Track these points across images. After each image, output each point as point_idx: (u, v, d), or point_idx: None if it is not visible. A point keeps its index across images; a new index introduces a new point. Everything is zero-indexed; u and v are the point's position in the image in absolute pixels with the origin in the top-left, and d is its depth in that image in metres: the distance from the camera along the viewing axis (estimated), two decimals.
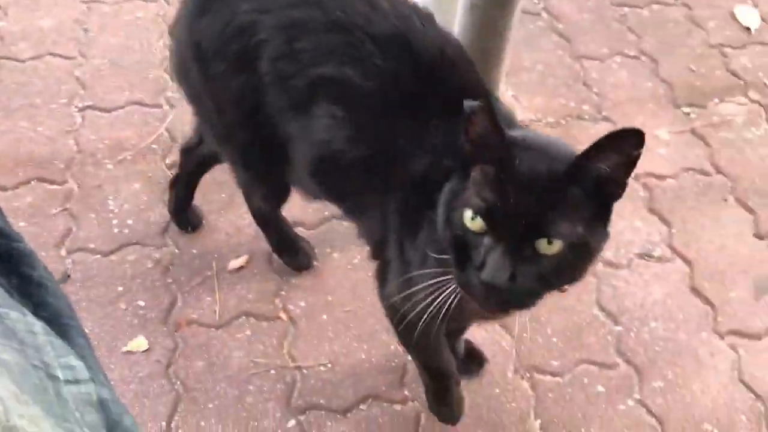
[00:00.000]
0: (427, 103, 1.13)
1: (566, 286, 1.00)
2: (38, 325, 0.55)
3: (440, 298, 0.99)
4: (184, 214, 1.76)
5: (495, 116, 0.91)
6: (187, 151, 1.66)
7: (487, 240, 0.91)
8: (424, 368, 1.42)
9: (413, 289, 1.13)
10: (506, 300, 0.96)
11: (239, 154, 1.41)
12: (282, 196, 1.50)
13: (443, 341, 1.38)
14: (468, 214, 0.92)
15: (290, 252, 1.71)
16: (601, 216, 0.95)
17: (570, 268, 0.94)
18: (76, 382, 0.54)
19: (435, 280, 1.00)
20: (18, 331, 0.53)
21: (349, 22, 1.14)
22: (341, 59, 1.13)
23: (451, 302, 0.99)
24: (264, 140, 1.29)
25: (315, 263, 1.71)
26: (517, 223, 0.89)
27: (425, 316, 1.12)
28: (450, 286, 0.98)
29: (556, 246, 0.90)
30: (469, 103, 0.91)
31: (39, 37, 2.18)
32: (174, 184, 1.73)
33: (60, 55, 2.14)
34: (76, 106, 2.01)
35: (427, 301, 1.05)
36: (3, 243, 0.61)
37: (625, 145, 0.87)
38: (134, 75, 2.10)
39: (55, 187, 1.83)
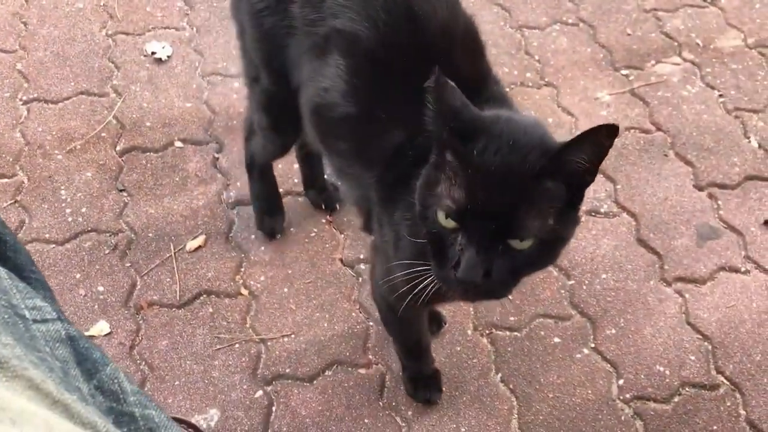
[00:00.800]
0: (416, 77, 1.08)
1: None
2: (2, 271, 0.57)
3: (419, 287, 1.00)
4: (311, 191, 1.80)
5: (455, 94, 0.91)
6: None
7: (460, 239, 0.92)
8: (404, 351, 1.47)
9: (393, 276, 1.16)
10: (483, 292, 0.97)
11: (262, 96, 1.44)
12: (281, 152, 1.57)
13: (424, 323, 1.43)
14: (442, 215, 0.92)
15: (266, 209, 1.73)
16: (573, 203, 0.94)
17: (543, 257, 0.96)
18: (44, 321, 0.56)
19: (413, 270, 1.01)
20: None
21: None
22: (355, 14, 1.13)
23: (430, 290, 1.00)
24: (284, 86, 1.31)
25: (277, 232, 1.74)
26: (488, 223, 0.89)
27: (405, 302, 1.16)
28: (428, 276, 0.99)
29: (528, 242, 0.91)
30: (432, 78, 0.90)
31: None
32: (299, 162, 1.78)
33: (0, 50, 2.11)
34: (20, 99, 1.99)
35: (407, 288, 1.08)
36: None
37: (600, 138, 0.87)
38: (78, 65, 2.09)
39: (4, 180, 1.81)
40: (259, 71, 1.38)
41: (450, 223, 0.92)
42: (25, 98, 2.00)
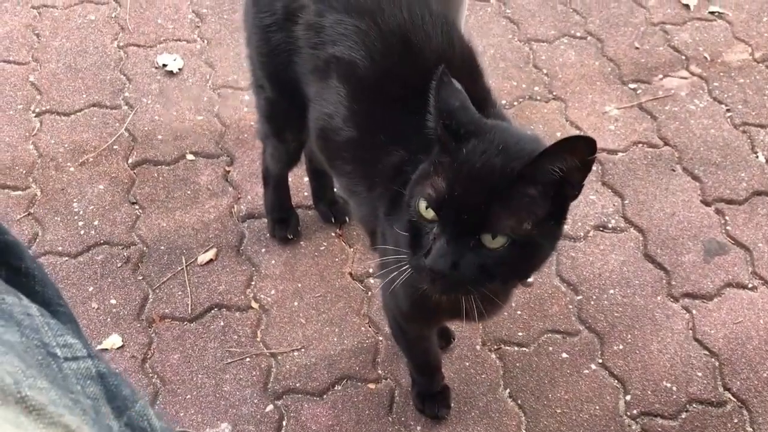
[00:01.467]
0: (413, 103, 1.12)
1: (530, 279, 1.04)
2: (34, 308, 0.59)
3: (400, 276, 1.02)
4: (321, 205, 1.82)
5: (456, 94, 0.94)
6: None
7: (435, 228, 0.94)
8: (414, 367, 1.49)
9: (395, 289, 1.18)
10: (450, 285, 0.97)
11: (265, 105, 1.47)
12: (289, 160, 1.59)
13: (434, 340, 1.45)
14: (422, 204, 0.95)
15: (278, 218, 1.76)
16: (556, 215, 0.96)
17: (516, 262, 0.96)
18: (75, 358, 0.57)
19: (397, 257, 1.03)
20: (15, 314, 0.57)
21: (364, 6, 1.17)
22: (352, 42, 1.17)
23: (430, 305, 1.02)
24: (287, 98, 1.35)
25: (289, 236, 1.76)
26: (463, 216, 0.91)
27: (410, 317, 1.18)
28: (404, 266, 1.01)
29: (500, 241, 0.92)
30: (436, 75, 0.93)
31: None
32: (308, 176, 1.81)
33: (13, 62, 2.14)
34: (33, 111, 2.01)
35: (409, 301, 1.10)
36: None
37: (577, 150, 0.88)
38: (90, 78, 2.11)
39: (18, 192, 1.83)
40: (263, 81, 1.42)
41: (429, 213, 0.95)
42: (37, 110, 2.02)
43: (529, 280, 1.07)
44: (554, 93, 2.14)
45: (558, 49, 2.27)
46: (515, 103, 2.10)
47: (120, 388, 0.59)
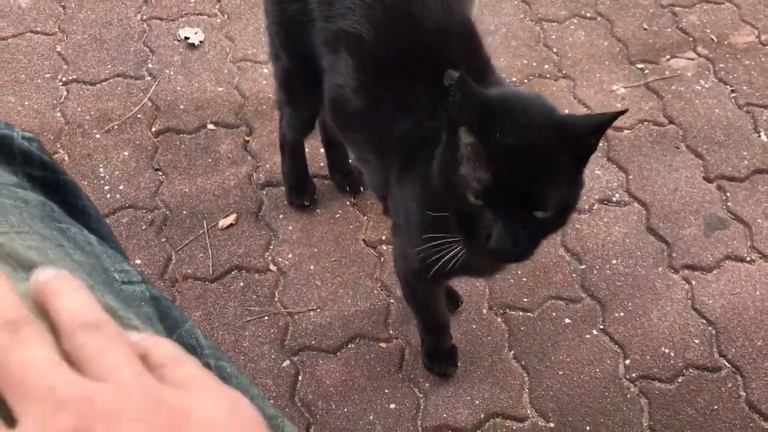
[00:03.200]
0: (416, 72, 1.21)
1: None
2: (93, 238, 0.66)
3: (446, 258, 1.09)
4: (336, 175, 1.89)
5: (472, 89, 0.99)
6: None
7: (488, 214, 1.01)
8: (424, 326, 1.56)
9: (409, 250, 1.27)
10: (513, 257, 1.07)
11: (281, 73, 1.54)
12: (303, 128, 1.66)
13: (442, 301, 1.53)
14: (470, 196, 1.01)
15: (295, 186, 1.83)
16: (579, 169, 1.04)
17: (560, 220, 1.06)
18: (131, 282, 0.65)
19: (436, 242, 1.10)
20: (79, 242, 0.64)
21: None
22: (358, 16, 1.23)
23: (448, 263, 1.10)
24: (302, 68, 1.41)
25: (306, 203, 1.83)
26: (514, 199, 0.99)
27: (423, 275, 1.26)
28: (456, 248, 1.08)
29: (549, 213, 1.02)
30: (450, 74, 0.99)
31: (18, 16, 2.24)
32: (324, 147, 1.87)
33: (41, 32, 2.21)
34: (60, 80, 2.09)
35: (423, 261, 1.18)
36: (51, 176, 0.72)
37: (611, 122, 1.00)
38: (115, 49, 2.18)
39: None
40: (279, 51, 1.48)
41: (478, 202, 1.01)
42: (64, 79, 2.09)
43: None
44: (563, 72, 2.20)
45: (568, 29, 2.33)
46: (525, 81, 2.17)
47: (171, 311, 0.67)
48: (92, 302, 0.44)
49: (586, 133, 0.99)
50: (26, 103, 2.02)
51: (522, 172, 0.98)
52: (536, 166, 0.98)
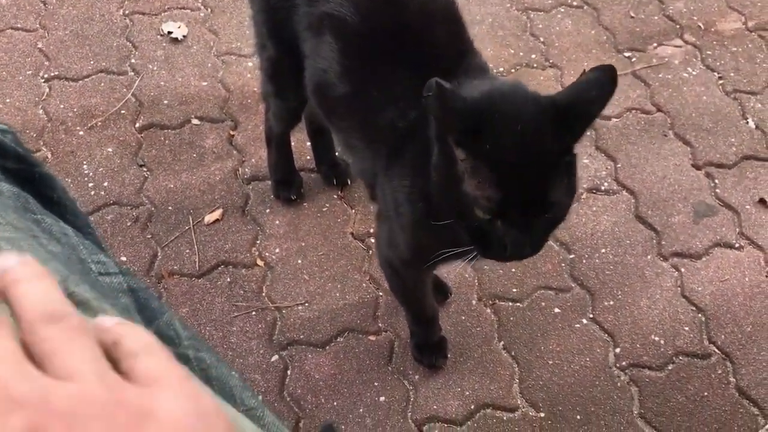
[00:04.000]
0: (401, 56, 1.20)
1: None
2: (69, 229, 0.65)
3: (455, 263, 1.14)
4: (323, 167, 1.87)
5: (451, 97, 0.97)
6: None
7: (500, 225, 1.01)
8: (412, 315, 1.55)
9: (396, 240, 1.29)
10: (528, 255, 1.08)
11: (267, 63, 1.53)
12: (290, 119, 1.65)
13: (430, 292, 1.52)
14: (479, 212, 1.01)
15: (281, 180, 1.81)
16: (573, 157, 1.05)
17: (564, 214, 1.07)
18: (108, 274, 0.64)
19: (440, 252, 1.13)
20: (54, 233, 0.63)
21: None
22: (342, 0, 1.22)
23: (436, 256, 1.13)
24: (288, 56, 1.39)
25: (292, 197, 1.81)
26: (525, 210, 1.00)
27: (410, 265, 1.28)
28: (469, 256, 1.10)
29: (558, 211, 1.04)
30: (429, 85, 0.96)
31: None
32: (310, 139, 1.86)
33: (21, 29, 2.18)
34: (42, 77, 2.07)
35: (410, 251, 1.22)
36: (26, 168, 0.70)
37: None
38: (97, 44, 2.15)
39: None
40: (265, 40, 1.47)
41: (486, 216, 1.01)
42: (46, 76, 2.07)
43: None
44: (550, 61, 2.19)
45: (555, 18, 2.31)
46: (512, 71, 2.16)
47: (149, 301, 0.65)
48: (56, 291, 0.42)
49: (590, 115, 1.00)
50: (8, 100, 2.00)
51: (528, 182, 0.99)
52: (541, 172, 0.99)
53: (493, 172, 0.97)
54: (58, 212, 0.72)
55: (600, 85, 1.00)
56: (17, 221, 0.59)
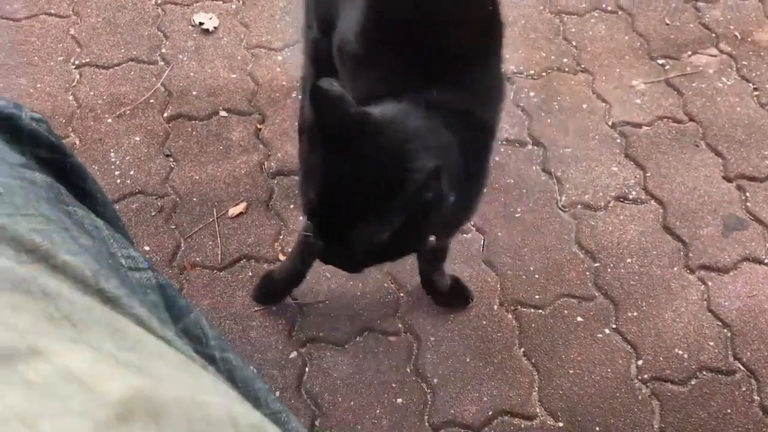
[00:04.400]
0: (412, 35, 1.17)
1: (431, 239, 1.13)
2: (100, 222, 0.64)
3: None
4: None
5: (336, 102, 0.98)
6: None
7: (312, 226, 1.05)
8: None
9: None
10: (344, 266, 1.15)
11: (311, 46, 1.53)
12: None
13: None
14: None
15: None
16: None
17: (393, 247, 1.08)
18: (138, 269, 0.63)
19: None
20: (86, 225, 0.62)
21: None
22: None
23: None
24: (329, 38, 1.38)
25: None
26: (329, 226, 1.02)
27: None
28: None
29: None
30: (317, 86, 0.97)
31: None
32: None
33: (54, 14, 2.19)
34: (73, 64, 2.07)
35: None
36: (58, 157, 0.70)
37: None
38: (129, 33, 2.16)
39: None
40: (311, 21, 1.47)
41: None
42: (77, 63, 2.08)
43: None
44: (582, 65, 2.16)
45: (588, 22, 2.29)
46: (543, 74, 2.13)
47: (177, 299, 0.65)
48: None
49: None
50: (38, 85, 2.01)
51: (342, 205, 1.03)
52: (359, 204, 1.00)
53: (321, 175, 1.01)
54: (88, 203, 0.72)
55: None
56: (50, 212, 0.58)
